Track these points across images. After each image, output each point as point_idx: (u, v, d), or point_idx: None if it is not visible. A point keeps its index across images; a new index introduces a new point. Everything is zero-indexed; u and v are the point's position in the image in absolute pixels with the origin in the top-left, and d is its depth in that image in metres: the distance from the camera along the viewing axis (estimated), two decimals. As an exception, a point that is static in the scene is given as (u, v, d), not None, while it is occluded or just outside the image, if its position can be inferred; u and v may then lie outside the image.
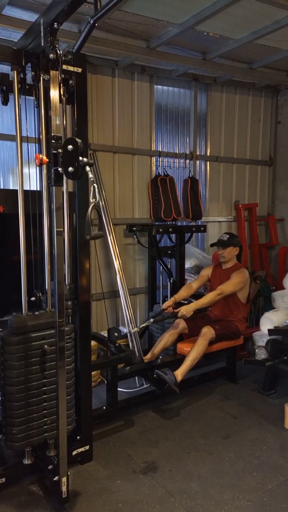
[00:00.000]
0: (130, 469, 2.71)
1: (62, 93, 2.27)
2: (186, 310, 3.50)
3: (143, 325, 3.86)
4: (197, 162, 4.91)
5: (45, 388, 2.43)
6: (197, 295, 4.27)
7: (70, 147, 1.92)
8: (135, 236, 4.36)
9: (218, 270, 3.89)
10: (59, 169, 2.01)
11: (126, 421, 3.28)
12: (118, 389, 3.29)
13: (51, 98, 2.10)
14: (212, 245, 3.97)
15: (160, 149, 4.61)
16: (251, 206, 5.29)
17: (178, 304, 3.73)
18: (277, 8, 3.16)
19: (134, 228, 4.25)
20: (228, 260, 3.80)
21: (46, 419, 2.44)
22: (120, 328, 4.12)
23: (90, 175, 1.93)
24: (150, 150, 4.51)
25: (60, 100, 2.19)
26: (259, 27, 3.55)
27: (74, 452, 2.66)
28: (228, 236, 3.81)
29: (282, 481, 2.60)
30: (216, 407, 3.51)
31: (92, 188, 1.93)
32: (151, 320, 3.67)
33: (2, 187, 3.69)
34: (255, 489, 2.53)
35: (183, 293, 3.80)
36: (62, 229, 2.14)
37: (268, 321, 3.97)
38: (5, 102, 2.59)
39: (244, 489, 2.53)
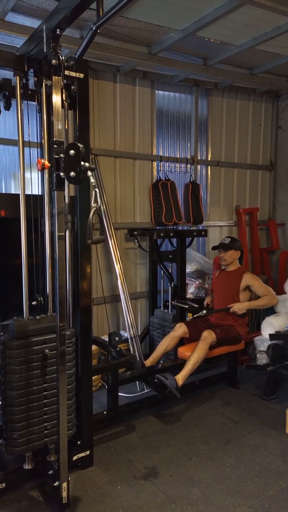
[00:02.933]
0: (130, 475, 2.69)
1: (64, 98, 2.28)
2: (238, 307, 3.62)
3: (197, 315, 3.81)
4: (198, 166, 4.92)
5: (45, 392, 2.42)
6: (197, 300, 4.28)
7: (72, 152, 1.93)
8: (136, 241, 4.36)
9: (222, 273, 3.92)
10: (61, 173, 2.02)
11: (127, 426, 3.27)
12: (119, 394, 3.27)
13: (53, 103, 2.11)
14: (213, 248, 3.98)
15: (161, 154, 4.63)
16: (252, 211, 5.30)
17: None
18: (278, 14, 3.18)
19: (135, 233, 4.26)
20: (229, 263, 3.82)
21: (46, 423, 2.44)
22: (121, 332, 4.11)
23: (92, 180, 1.94)
24: (151, 155, 4.53)
25: (62, 105, 2.20)
26: (259, 33, 3.58)
27: (75, 457, 2.65)
28: (229, 239, 3.82)
29: (283, 487, 2.58)
30: (217, 412, 3.50)
31: (94, 193, 1.94)
32: (204, 311, 3.74)
33: (4, 192, 3.71)
34: (257, 495, 2.51)
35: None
36: (63, 234, 2.15)
37: (269, 326, 3.96)
38: (8, 107, 2.61)
39: (246, 495, 2.51)
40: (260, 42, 3.67)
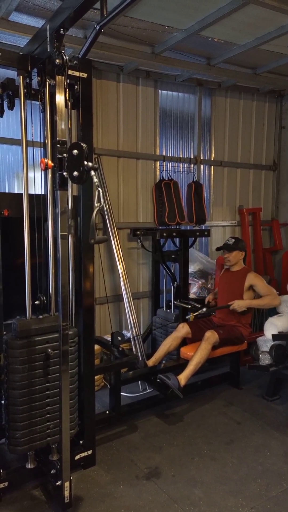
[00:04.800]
0: (133, 475, 2.69)
1: (67, 98, 2.28)
2: (239, 305, 3.61)
3: (197, 313, 3.80)
4: (201, 166, 4.91)
5: (48, 392, 2.43)
6: (200, 300, 4.27)
7: (75, 151, 1.92)
8: (139, 240, 4.36)
9: (226, 273, 3.92)
10: (64, 173, 2.02)
11: (129, 425, 3.27)
12: (121, 393, 3.27)
13: (57, 103, 2.11)
14: (217, 249, 3.97)
15: (164, 153, 4.62)
16: (255, 211, 5.29)
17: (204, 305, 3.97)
18: (282, 14, 3.17)
19: (138, 232, 4.25)
20: (233, 264, 3.82)
21: (49, 423, 2.44)
22: (123, 332, 4.11)
23: (95, 180, 1.93)
24: (154, 155, 4.52)
25: (66, 105, 2.20)
26: (263, 32, 3.57)
27: (77, 457, 2.65)
28: (234, 240, 3.81)
29: (286, 488, 2.58)
30: (220, 412, 3.49)
31: (97, 193, 1.93)
32: (204, 309, 3.75)
33: (7, 191, 3.71)
34: (259, 496, 2.51)
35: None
36: (66, 233, 2.15)
37: (272, 326, 3.94)
38: (11, 107, 2.61)
39: (248, 496, 2.51)
40: (263, 41, 3.66)
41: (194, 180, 4.72)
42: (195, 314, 3.79)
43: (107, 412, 3.21)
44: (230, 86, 4.79)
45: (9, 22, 3.14)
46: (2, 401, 2.46)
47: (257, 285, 3.71)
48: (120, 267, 4.07)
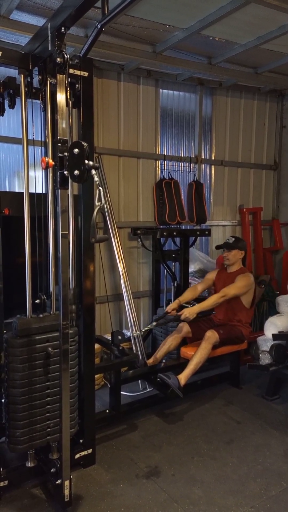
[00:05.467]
0: (133, 474, 2.70)
1: (68, 96, 2.28)
2: (189, 312, 3.48)
3: (146, 328, 3.84)
4: (202, 166, 4.91)
5: (48, 390, 2.43)
6: (201, 299, 4.27)
7: (76, 150, 1.92)
8: (139, 240, 4.36)
9: (222, 273, 3.88)
10: (65, 172, 2.02)
11: (129, 425, 3.27)
12: (121, 392, 3.28)
13: (58, 102, 2.11)
14: (217, 247, 3.97)
15: (165, 152, 4.62)
16: (255, 210, 5.29)
17: (181, 308, 3.72)
18: (283, 13, 3.16)
19: (139, 231, 4.25)
20: (232, 263, 3.80)
21: (49, 421, 2.44)
22: (123, 331, 4.11)
23: (96, 178, 1.93)
24: (155, 154, 4.52)
25: (67, 104, 2.19)
26: (264, 32, 3.56)
27: (77, 456, 2.65)
28: (234, 239, 3.80)
29: (286, 488, 2.58)
30: (220, 412, 3.49)
31: (97, 191, 1.93)
32: (154, 323, 3.69)
33: (8, 190, 3.71)
34: (259, 495, 2.51)
35: (188, 295, 3.80)
36: (67, 232, 2.15)
37: (272, 326, 3.95)
38: (12, 106, 2.61)
39: (248, 495, 2.51)
40: (265, 41, 3.65)
41: (195, 180, 4.72)
42: (143, 330, 3.90)
43: (107, 411, 3.21)
44: (231, 85, 4.79)
45: (10, 21, 3.13)
46: (2, 400, 2.46)
47: (235, 282, 3.61)
48: (120, 266, 4.07)
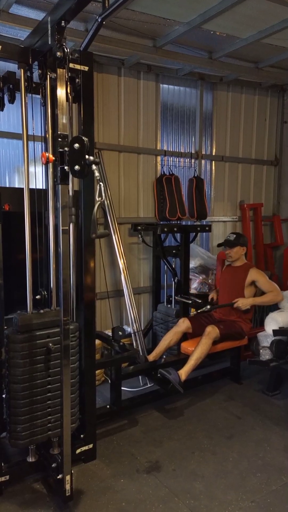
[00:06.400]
0: (133, 468, 2.71)
1: (68, 91, 2.27)
2: (243, 303, 3.61)
3: (201, 310, 3.78)
4: (203, 161, 4.89)
5: (49, 386, 2.43)
6: (201, 295, 4.27)
7: (76, 145, 1.91)
8: (139, 235, 4.35)
9: (228, 268, 3.91)
10: (65, 167, 2.01)
11: (130, 420, 3.28)
12: (122, 388, 3.28)
13: (58, 97, 2.10)
14: (219, 245, 3.97)
15: (165, 148, 4.60)
16: (256, 206, 5.27)
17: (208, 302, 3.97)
18: (285, 7, 3.14)
19: (139, 227, 4.24)
20: (235, 260, 3.81)
21: (50, 417, 2.44)
22: (124, 327, 4.11)
23: (96, 174, 1.92)
24: (156, 149, 4.50)
25: (67, 99, 2.18)
26: (266, 26, 3.54)
27: (78, 451, 2.66)
28: (235, 236, 3.80)
29: (286, 482, 2.59)
30: (220, 407, 3.50)
31: (98, 187, 1.93)
32: (208, 306, 3.75)
33: (8, 185, 3.70)
34: (259, 490, 2.52)
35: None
36: (67, 228, 2.14)
37: (273, 322, 3.94)
38: (12, 101, 2.59)
39: (248, 490, 2.52)
40: (266, 35, 3.63)
41: (195, 175, 4.70)
42: (198, 311, 3.79)
43: (108, 406, 3.22)
44: (232, 80, 4.77)
45: (9, 15, 3.11)
46: (3, 395, 2.46)
47: (259, 281, 3.70)
48: (121, 262, 4.07)
